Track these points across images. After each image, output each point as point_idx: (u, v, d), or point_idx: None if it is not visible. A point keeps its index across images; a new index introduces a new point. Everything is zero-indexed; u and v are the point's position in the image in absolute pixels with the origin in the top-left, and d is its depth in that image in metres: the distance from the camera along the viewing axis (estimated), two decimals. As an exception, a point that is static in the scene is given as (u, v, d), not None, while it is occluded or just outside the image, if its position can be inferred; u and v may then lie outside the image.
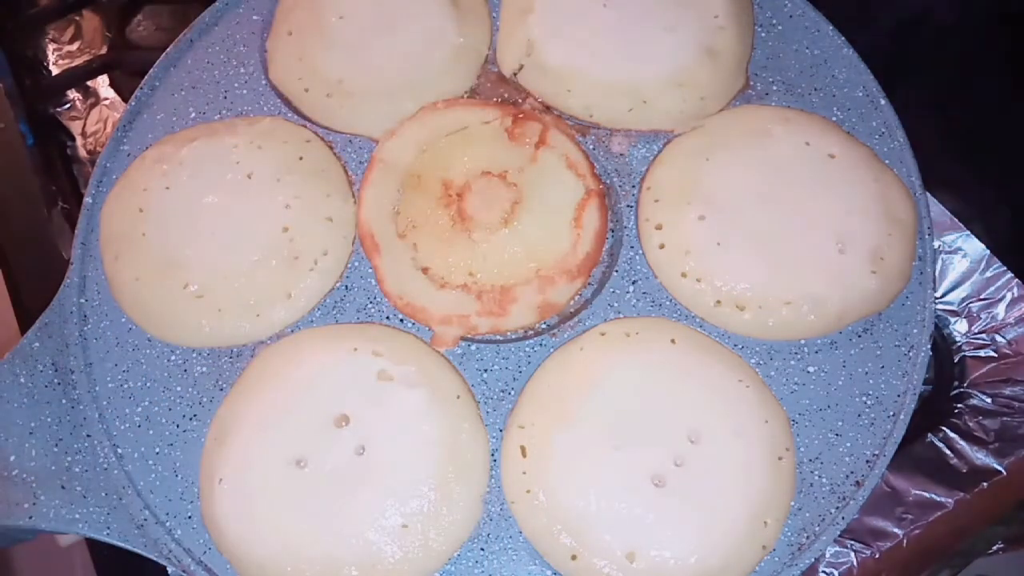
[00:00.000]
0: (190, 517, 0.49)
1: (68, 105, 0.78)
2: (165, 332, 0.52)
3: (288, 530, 0.46)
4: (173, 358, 0.52)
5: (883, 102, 0.56)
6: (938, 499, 0.58)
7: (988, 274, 0.63)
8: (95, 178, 0.57)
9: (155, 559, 0.48)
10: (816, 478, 0.48)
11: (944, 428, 0.60)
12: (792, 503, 0.48)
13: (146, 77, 0.59)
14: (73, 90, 0.79)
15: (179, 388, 0.51)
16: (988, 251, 0.63)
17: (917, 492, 0.58)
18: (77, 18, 0.83)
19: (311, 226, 0.53)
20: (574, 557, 0.46)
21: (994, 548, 0.59)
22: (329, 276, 0.53)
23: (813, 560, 0.47)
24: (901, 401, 0.50)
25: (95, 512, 0.49)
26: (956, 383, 0.62)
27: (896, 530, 0.57)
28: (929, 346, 0.51)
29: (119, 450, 0.50)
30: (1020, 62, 0.61)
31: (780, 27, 0.58)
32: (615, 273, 0.52)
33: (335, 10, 0.58)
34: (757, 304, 0.50)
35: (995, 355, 0.62)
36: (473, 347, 0.51)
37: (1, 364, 0.52)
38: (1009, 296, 0.63)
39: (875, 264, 0.50)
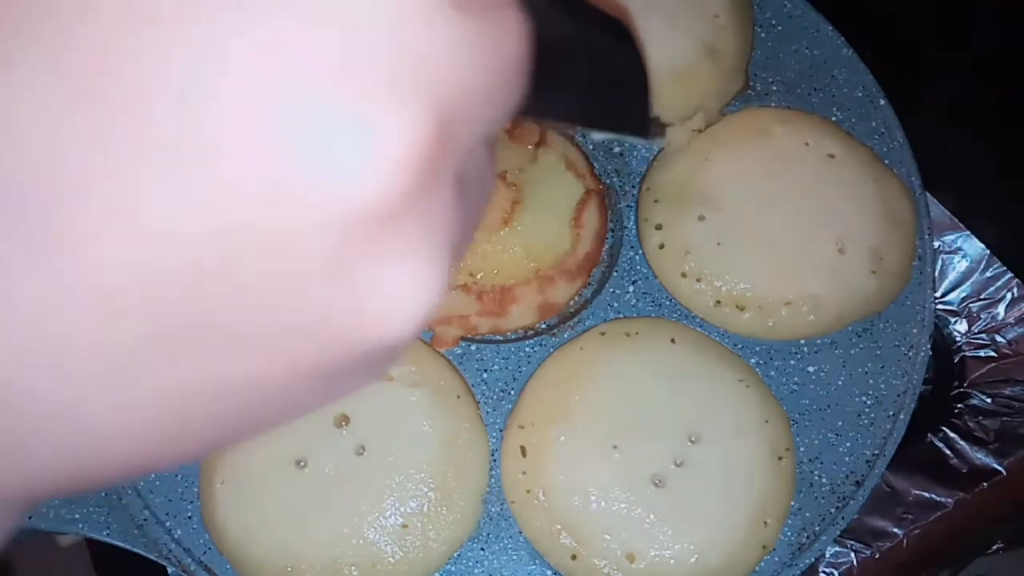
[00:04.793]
0: (190, 517, 0.48)
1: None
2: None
3: (288, 530, 0.46)
4: (173, 358, 0.52)
5: (883, 102, 0.56)
6: (938, 499, 0.58)
7: (988, 274, 0.63)
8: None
9: (155, 559, 0.48)
10: (816, 478, 0.48)
11: (944, 428, 0.60)
12: (792, 503, 0.48)
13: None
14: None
15: (179, 388, 0.51)
16: (988, 251, 0.63)
17: (917, 492, 0.58)
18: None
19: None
20: (574, 557, 0.46)
21: (994, 548, 0.59)
22: (329, 276, 0.53)
23: (813, 560, 0.47)
24: (901, 401, 0.50)
25: (95, 512, 0.49)
26: (956, 383, 0.62)
27: (896, 530, 0.57)
28: (929, 346, 0.51)
29: (119, 450, 0.50)
30: (1021, 61, 0.61)
31: (780, 27, 0.58)
32: (615, 273, 0.52)
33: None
34: (757, 304, 0.50)
35: (995, 355, 0.62)
36: (473, 347, 0.51)
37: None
38: (1009, 296, 0.63)
39: (875, 264, 0.50)
